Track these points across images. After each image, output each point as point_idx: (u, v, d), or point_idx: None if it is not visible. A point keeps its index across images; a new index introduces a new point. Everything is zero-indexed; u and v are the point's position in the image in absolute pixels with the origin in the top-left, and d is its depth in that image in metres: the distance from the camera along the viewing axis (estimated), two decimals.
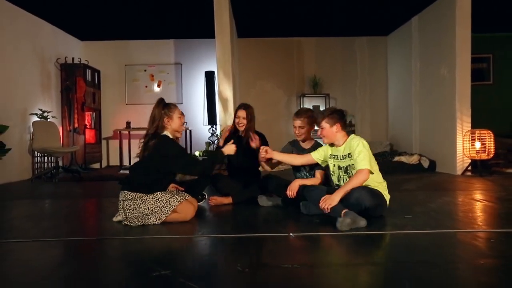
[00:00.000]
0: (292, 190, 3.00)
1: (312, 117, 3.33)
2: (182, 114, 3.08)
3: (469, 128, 5.77)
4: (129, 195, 2.80)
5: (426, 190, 4.30)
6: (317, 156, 3.10)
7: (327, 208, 2.59)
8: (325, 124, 2.88)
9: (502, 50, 8.16)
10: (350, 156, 2.80)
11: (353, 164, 2.77)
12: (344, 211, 2.56)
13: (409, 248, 2.17)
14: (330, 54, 8.47)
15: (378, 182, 2.80)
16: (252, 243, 2.33)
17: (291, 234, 2.41)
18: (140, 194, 2.78)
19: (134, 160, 7.81)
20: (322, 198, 2.66)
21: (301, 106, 8.23)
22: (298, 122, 3.30)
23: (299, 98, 8.34)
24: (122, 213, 2.82)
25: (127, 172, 6.68)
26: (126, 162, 7.72)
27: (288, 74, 8.49)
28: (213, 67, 7.62)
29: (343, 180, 2.88)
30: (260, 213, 3.16)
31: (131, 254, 2.18)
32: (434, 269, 1.78)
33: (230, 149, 3.13)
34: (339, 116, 2.88)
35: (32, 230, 2.76)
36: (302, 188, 2.97)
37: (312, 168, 3.29)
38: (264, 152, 3.17)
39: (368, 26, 7.87)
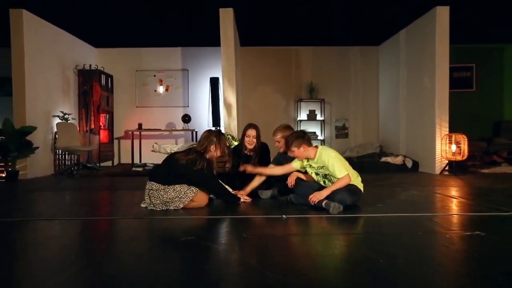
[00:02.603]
0: (291, 179, 3.68)
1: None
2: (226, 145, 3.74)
3: (447, 132, 6.45)
4: (154, 185, 3.46)
5: (403, 187, 4.98)
6: (296, 165, 3.70)
7: (314, 201, 3.29)
8: (294, 148, 3.51)
9: (484, 60, 8.85)
10: (323, 168, 3.45)
11: (329, 174, 3.42)
12: (324, 201, 3.26)
13: (373, 225, 2.87)
14: (326, 62, 9.15)
15: (355, 176, 3.48)
16: (253, 221, 3.02)
17: (283, 215, 3.09)
18: (163, 186, 3.44)
19: (145, 158, 8.45)
20: (313, 194, 3.34)
21: (299, 111, 8.95)
22: (276, 137, 4.00)
23: (296, 102, 9.02)
24: (147, 199, 3.50)
25: (139, 169, 7.39)
26: (137, 160, 8.42)
27: (287, 80, 9.16)
28: (217, 73, 8.32)
29: (325, 182, 3.54)
30: (259, 202, 3.85)
31: (161, 228, 2.87)
32: (385, 237, 2.48)
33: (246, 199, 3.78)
34: (302, 139, 3.50)
35: (79, 211, 3.45)
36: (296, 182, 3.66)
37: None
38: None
39: (361, 37, 8.56)
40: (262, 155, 4.27)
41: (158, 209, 3.44)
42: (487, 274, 1.82)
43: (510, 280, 1.73)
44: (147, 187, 3.50)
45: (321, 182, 3.54)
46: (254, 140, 4.16)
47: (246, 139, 4.18)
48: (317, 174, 3.55)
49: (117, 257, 2.17)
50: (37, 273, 1.91)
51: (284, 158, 4.00)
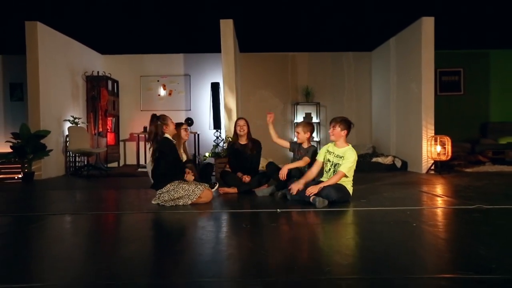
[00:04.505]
0: (282, 174, 4.20)
1: (311, 127, 4.56)
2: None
3: (433, 134, 6.92)
4: (164, 189, 3.92)
5: (389, 185, 5.45)
6: (320, 158, 4.15)
7: (311, 192, 3.76)
8: (338, 127, 4.01)
9: (471, 65, 9.33)
10: (341, 158, 3.95)
11: (339, 164, 3.93)
12: (312, 197, 3.74)
13: (354, 216, 3.34)
14: (321, 67, 9.62)
15: (349, 182, 3.98)
16: (251, 214, 3.49)
17: (278, 210, 3.56)
18: (172, 185, 3.90)
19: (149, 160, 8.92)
20: (308, 188, 3.81)
21: (295, 113, 9.42)
22: (297, 129, 4.58)
23: (293, 106, 9.50)
24: (157, 199, 3.96)
25: (145, 170, 7.85)
26: (142, 161, 8.89)
27: (284, 85, 9.63)
28: (218, 79, 8.79)
29: (331, 170, 4.03)
30: (256, 199, 4.33)
31: (173, 220, 3.34)
32: (360, 226, 2.95)
33: (189, 178, 4.18)
34: (347, 126, 4.02)
35: (98, 207, 3.92)
36: (290, 172, 4.21)
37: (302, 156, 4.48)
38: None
39: (355, 43, 9.04)
40: (255, 148, 5.00)
41: (168, 205, 3.90)
42: (434, 251, 2.29)
43: (447, 256, 2.20)
44: (157, 193, 3.97)
45: (331, 168, 4.01)
46: (245, 127, 4.96)
47: (238, 127, 4.99)
48: (329, 161, 4.05)
49: (139, 243, 2.63)
50: (66, 261, 2.38)
51: (297, 146, 4.63)
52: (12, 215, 3.60)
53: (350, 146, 4.02)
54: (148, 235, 2.80)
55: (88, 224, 3.25)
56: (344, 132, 3.98)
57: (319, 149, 4.33)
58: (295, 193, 3.89)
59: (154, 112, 4.31)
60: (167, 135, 4.06)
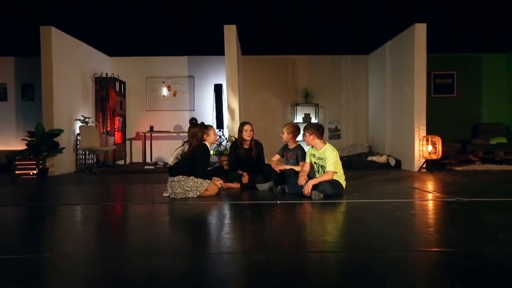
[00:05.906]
0: (276, 168, 4.68)
1: (294, 129, 4.91)
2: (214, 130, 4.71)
3: (424, 134, 7.31)
4: (176, 178, 4.34)
5: (381, 181, 5.84)
6: (308, 160, 4.57)
7: (307, 192, 4.14)
8: (306, 133, 4.45)
9: (464, 68, 9.72)
10: (323, 159, 4.33)
11: (324, 165, 4.31)
12: (310, 190, 4.13)
13: (346, 207, 3.74)
14: (320, 70, 10.01)
15: (341, 176, 4.36)
16: (254, 205, 3.90)
17: (277, 201, 3.96)
18: (184, 177, 4.32)
19: (156, 157, 9.29)
20: (304, 187, 4.20)
21: (295, 114, 9.82)
22: (283, 129, 4.95)
23: (293, 106, 9.89)
24: (170, 190, 4.37)
25: (151, 167, 8.23)
26: (148, 159, 9.29)
27: (284, 86, 10.03)
28: (221, 80, 9.19)
29: (319, 172, 4.42)
30: (258, 192, 4.73)
31: (183, 210, 3.74)
32: (350, 214, 3.35)
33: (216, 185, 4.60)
34: (315, 130, 4.43)
35: (115, 199, 4.31)
36: (286, 175, 4.55)
37: (298, 160, 4.86)
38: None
39: (353, 46, 9.42)
40: (258, 150, 5.25)
41: (179, 197, 4.30)
42: (410, 233, 2.69)
43: (421, 237, 2.60)
44: (169, 180, 4.37)
45: (319, 169, 4.41)
46: (251, 133, 5.18)
47: (245, 133, 5.16)
48: (315, 163, 4.44)
49: (158, 226, 3.03)
50: (96, 238, 2.77)
51: (285, 149, 5.02)
52: (37, 205, 3.99)
53: (327, 145, 4.39)
54: (164, 220, 3.20)
55: (108, 212, 3.65)
56: (313, 137, 4.39)
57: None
58: (306, 191, 4.19)
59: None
60: (206, 142, 4.59)
